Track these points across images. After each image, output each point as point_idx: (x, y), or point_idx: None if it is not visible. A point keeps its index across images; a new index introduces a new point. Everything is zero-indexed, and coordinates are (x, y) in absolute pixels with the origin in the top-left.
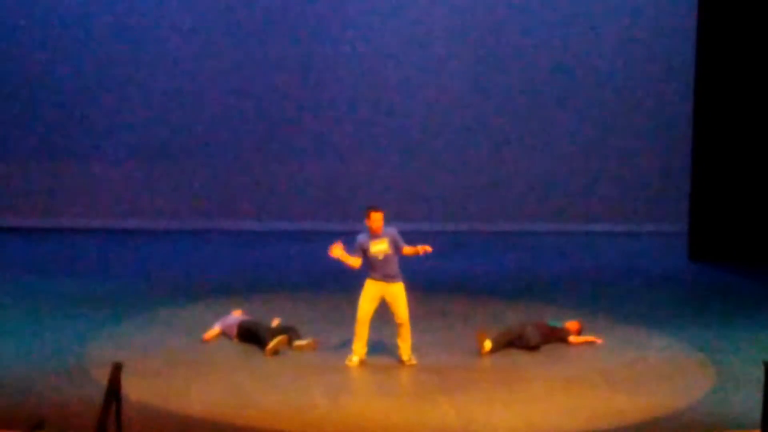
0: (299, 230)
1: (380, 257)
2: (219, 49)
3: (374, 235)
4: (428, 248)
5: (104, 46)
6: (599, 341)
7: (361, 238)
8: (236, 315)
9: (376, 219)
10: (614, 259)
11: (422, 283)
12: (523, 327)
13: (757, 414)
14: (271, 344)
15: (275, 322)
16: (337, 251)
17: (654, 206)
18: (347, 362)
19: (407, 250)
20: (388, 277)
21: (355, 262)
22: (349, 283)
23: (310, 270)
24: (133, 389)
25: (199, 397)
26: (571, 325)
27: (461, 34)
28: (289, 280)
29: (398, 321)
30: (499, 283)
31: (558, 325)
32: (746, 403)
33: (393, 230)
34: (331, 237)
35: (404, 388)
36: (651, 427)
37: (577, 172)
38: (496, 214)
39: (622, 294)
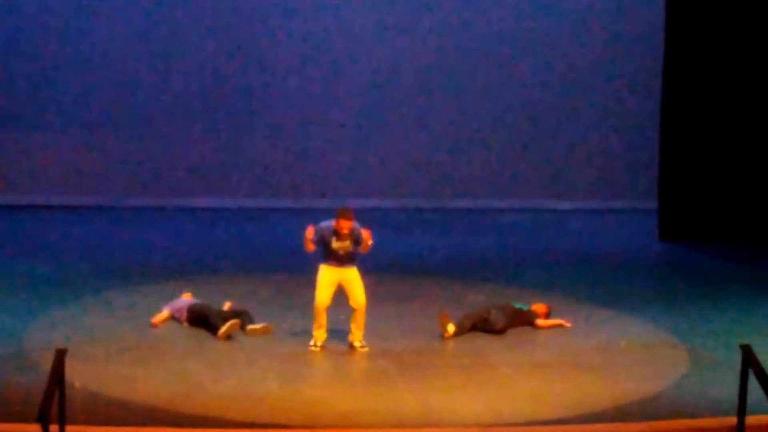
0: (250, 208)
1: (341, 252)
2: (164, 19)
3: (340, 234)
4: (368, 237)
5: (41, 15)
6: (568, 325)
7: (325, 230)
8: (186, 298)
9: (346, 226)
10: (582, 239)
11: (381, 264)
12: (487, 310)
13: (732, 399)
14: (223, 329)
15: (227, 306)
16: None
17: (623, 184)
18: (311, 348)
19: (363, 248)
20: (344, 263)
21: (310, 247)
22: (303, 265)
23: (263, 250)
24: (77, 376)
25: (146, 384)
26: (538, 307)
27: (418, 5)
28: (241, 260)
29: (354, 306)
30: (462, 263)
31: (524, 307)
32: (721, 388)
33: (357, 226)
34: (284, 215)
35: (362, 374)
36: (622, 414)
37: (543, 148)
38: (457, 190)
39: (590, 275)
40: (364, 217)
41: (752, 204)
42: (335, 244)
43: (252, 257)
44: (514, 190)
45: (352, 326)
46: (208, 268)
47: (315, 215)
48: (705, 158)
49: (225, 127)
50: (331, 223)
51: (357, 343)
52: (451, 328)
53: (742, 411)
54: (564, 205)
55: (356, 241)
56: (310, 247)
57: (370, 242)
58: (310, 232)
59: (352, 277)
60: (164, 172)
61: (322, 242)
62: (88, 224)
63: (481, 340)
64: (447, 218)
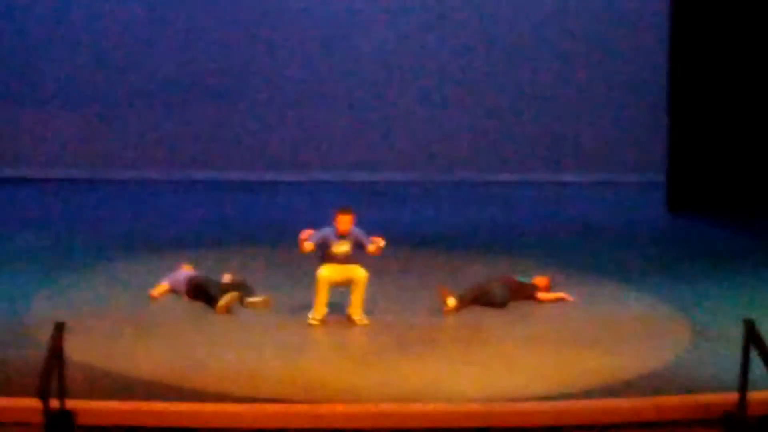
0: (251, 180)
1: (340, 257)
2: None
3: (340, 236)
4: (380, 242)
5: None
6: (570, 298)
7: (326, 233)
8: (185, 270)
9: (344, 222)
10: (587, 211)
11: (380, 236)
12: (489, 283)
13: (735, 374)
14: (223, 301)
15: (227, 278)
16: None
17: (630, 154)
18: (309, 321)
19: (371, 249)
20: (344, 263)
21: (305, 247)
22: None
23: (263, 222)
24: (77, 350)
25: (146, 358)
26: (540, 280)
27: None
28: (240, 233)
29: (355, 279)
30: (463, 236)
31: (526, 280)
32: (724, 363)
33: (357, 230)
34: (284, 187)
35: (363, 349)
36: (625, 389)
37: (548, 118)
38: (459, 162)
39: (595, 248)
40: (365, 189)
41: (766, 174)
42: (335, 248)
43: (252, 230)
44: (518, 162)
45: (352, 298)
46: (207, 241)
47: (317, 188)
48: (715, 127)
49: (226, 99)
50: (332, 227)
51: (356, 317)
52: (451, 301)
53: (743, 387)
54: (570, 177)
55: (357, 244)
56: (306, 246)
57: (382, 244)
58: (304, 233)
59: (352, 268)
60: (163, 145)
61: (323, 246)
62: (84, 197)
63: (483, 314)
64: (449, 190)
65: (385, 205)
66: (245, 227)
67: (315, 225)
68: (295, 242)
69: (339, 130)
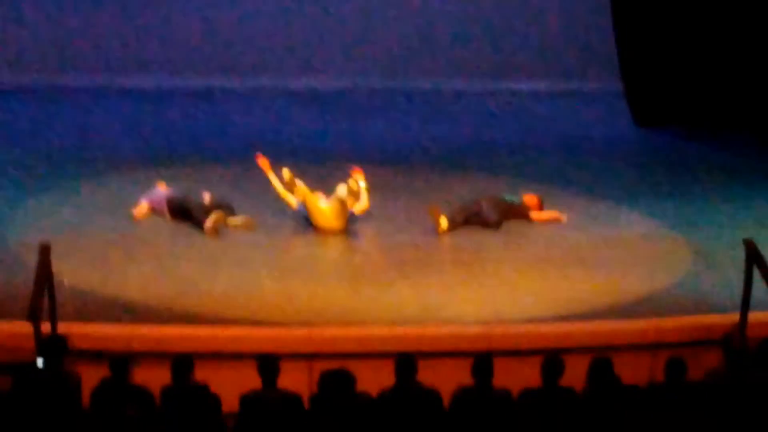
0: (217, 87)
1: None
2: None
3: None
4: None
5: None
6: (563, 218)
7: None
8: (161, 188)
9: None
10: (550, 124)
11: (347, 154)
12: (477, 203)
13: (734, 295)
14: (209, 223)
15: (207, 197)
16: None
17: (588, 61)
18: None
19: (349, 187)
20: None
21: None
22: (280, 150)
23: (232, 134)
24: (64, 272)
25: (137, 281)
26: (530, 199)
27: None
28: (210, 146)
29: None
30: (428, 151)
31: (515, 200)
32: (724, 283)
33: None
34: (252, 94)
35: (358, 270)
36: (626, 311)
37: (498, 24)
38: (405, 68)
39: (572, 164)
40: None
41: (739, 82)
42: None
43: (222, 143)
44: (467, 69)
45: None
46: (177, 156)
47: (254, 96)
48: (679, 28)
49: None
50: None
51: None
52: (443, 222)
53: (745, 307)
54: (527, 86)
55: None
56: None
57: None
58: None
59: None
60: (113, 48)
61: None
62: (40, 107)
63: (478, 235)
64: (396, 99)
65: (325, 116)
66: (213, 140)
67: (262, 139)
68: (251, 159)
69: (297, 29)
